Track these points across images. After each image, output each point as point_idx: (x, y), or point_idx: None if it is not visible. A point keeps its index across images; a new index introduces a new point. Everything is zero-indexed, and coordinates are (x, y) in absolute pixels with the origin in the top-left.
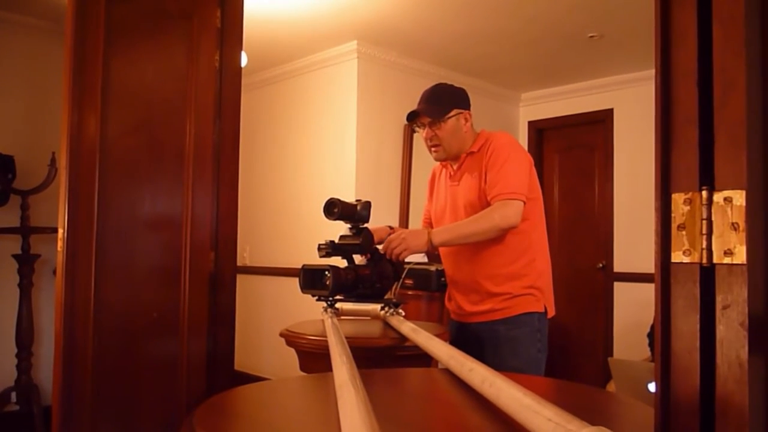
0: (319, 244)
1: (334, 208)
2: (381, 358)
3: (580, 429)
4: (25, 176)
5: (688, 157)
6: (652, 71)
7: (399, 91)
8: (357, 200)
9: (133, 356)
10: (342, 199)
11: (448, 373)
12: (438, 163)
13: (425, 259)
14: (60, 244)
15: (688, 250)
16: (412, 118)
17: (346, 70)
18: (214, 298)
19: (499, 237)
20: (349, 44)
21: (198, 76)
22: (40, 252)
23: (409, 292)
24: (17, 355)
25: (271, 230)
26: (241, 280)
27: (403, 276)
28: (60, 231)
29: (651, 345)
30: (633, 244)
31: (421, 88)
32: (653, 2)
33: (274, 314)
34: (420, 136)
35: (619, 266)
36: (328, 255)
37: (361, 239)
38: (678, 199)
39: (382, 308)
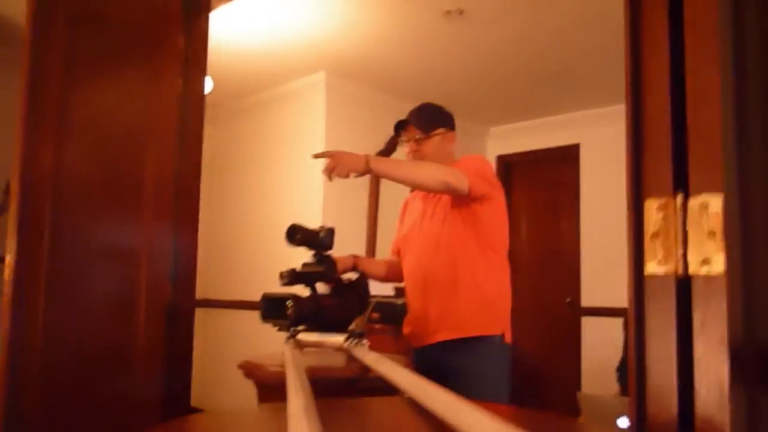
0: (281, 273)
1: (296, 234)
2: (344, 390)
3: None
4: None
5: (661, 160)
6: (619, 107)
7: (367, 123)
8: (320, 227)
9: (85, 393)
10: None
11: (413, 402)
12: (410, 193)
13: (392, 293)
14: (7, 271)
15: (662, 260)
16: (401, 127)
17: (314, 102)
18: (170, 332)
19: (460, 265)
20: (317, 75)
21: (160, 104)
22: None
23: (376, 326)
24: None
25: (231, 262)
26: (199, 313)
27: (369, 309)
28: (8, 258)
29: (620, 379)
30: (600, 280)
31: (388, 122)
32: (622, 38)
33: (233, 348)
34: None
35: (586, 301)
36: (290, 283)
37: (324, 267)
38: (651, 205)
39: (346, 339)
